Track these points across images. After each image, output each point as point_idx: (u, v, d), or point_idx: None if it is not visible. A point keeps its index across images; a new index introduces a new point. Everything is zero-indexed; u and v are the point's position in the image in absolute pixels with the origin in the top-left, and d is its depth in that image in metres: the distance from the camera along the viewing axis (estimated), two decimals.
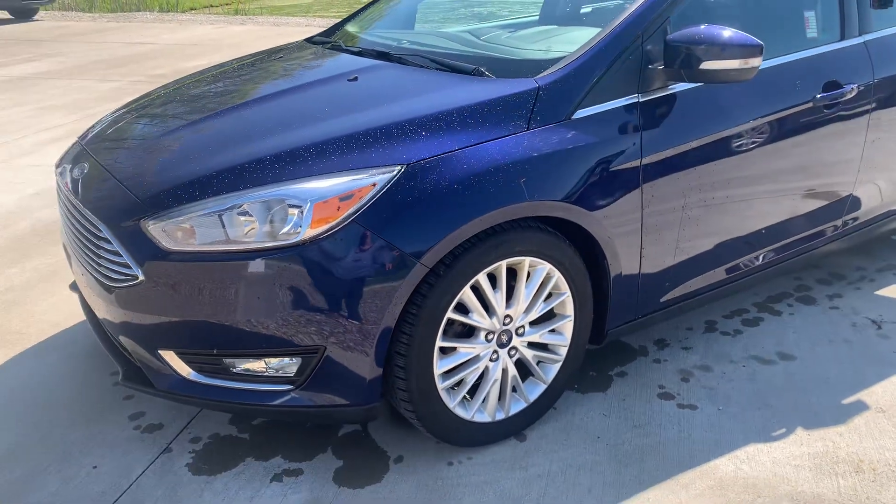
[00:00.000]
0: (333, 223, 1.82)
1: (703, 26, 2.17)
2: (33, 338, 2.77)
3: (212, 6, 23.64)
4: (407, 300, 1.90)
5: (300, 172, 1.89)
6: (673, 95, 2.26)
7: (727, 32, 2.13)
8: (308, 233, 1.82)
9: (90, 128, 2.61)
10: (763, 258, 2.69)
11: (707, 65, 2.13)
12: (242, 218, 1.87)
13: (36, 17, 14.03)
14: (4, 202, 4.21)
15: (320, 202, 1.82)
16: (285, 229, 1.84)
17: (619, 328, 2.39)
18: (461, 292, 1.97)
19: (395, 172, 1.87)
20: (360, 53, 2.62)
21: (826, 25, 2.70)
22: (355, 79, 2.33)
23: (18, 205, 4.16)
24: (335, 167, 1.89)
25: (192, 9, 21.76)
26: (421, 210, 1.86)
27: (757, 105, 2.42)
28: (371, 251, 1.83)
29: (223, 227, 1.88)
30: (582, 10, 3.13)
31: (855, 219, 2.97)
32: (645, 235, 2.27)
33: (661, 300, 2.46)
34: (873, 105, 2.72)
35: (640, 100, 2.21)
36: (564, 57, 2.19)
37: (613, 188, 2.15)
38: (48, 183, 4.50)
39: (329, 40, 2.89)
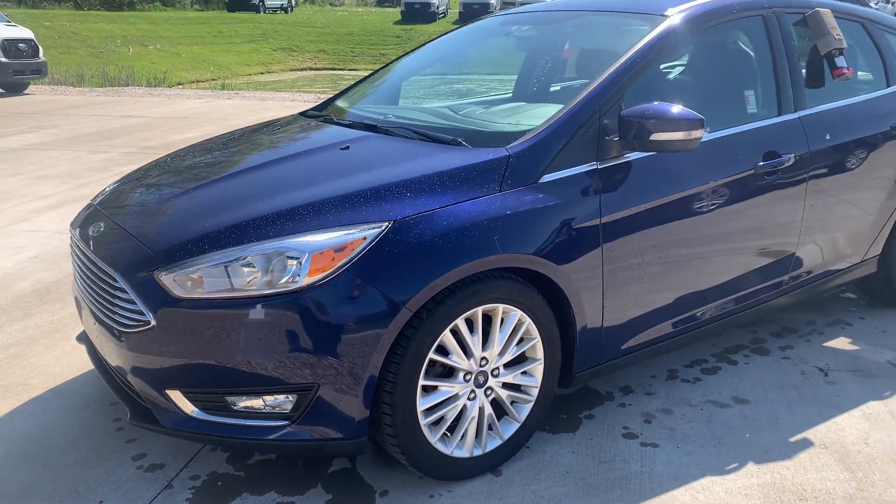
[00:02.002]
0: (329, 272, 2.06)
1: (652, 103, 2.48)
2: (38, 388, 2.94)
3: (198, 81, 24.39)
4: (393, 342, 2.12)
5: (298, 228, 2.14)
6: (628, 163, 2.56)
7: (674, 108, 2.45)
8: (306, 280, 2.05)
9: (100, 193, 2.86)
10: (716, 311, 2.95)
11: (656, 136, 2.44)
12: (245, 269, 2.10)
13: (27, 90, 14.41)
14: (4, 265, 4.40)
15: (317, 253, 2.07)
16: (284, 279, 2.07)
17: (586, 372, 2.61)
18: (442, 335, 2.20)
19: (383, 228, 2.12)
20: (350, 126, 2.91)
21: (765, 102, 3.05)
22: (347, 147, 2.61)
23: (18, 267, 4.35)
24: (330, 223, 2.14)
25: (178, 84, 22.45)
26: (406, 261, 2.11)
27: (705, 171, 2.73)
28: (361, 297, 2.07)
29: (228, 276, 2.11)
30: (551, 89, 3.48)
31: (799, 276, 3.25)
32: (606, 288, 2.53)
33: (623, 347, 2.69)
34: (810, 173, 3.05)
35: (599, 166, 2.50)
36: (532, 129, 2.49)
37: (576, 245, 2.41)
38: (46, 247, 4.71)
39: (321, 114, 3.19)
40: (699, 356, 3.27)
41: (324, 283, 2.05)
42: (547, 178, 2.40)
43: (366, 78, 3.58)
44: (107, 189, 2.86)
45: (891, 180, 3.44)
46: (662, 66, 2.84)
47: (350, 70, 28.37)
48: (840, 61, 3.15)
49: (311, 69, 29.55)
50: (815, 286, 3.37)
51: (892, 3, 28.54)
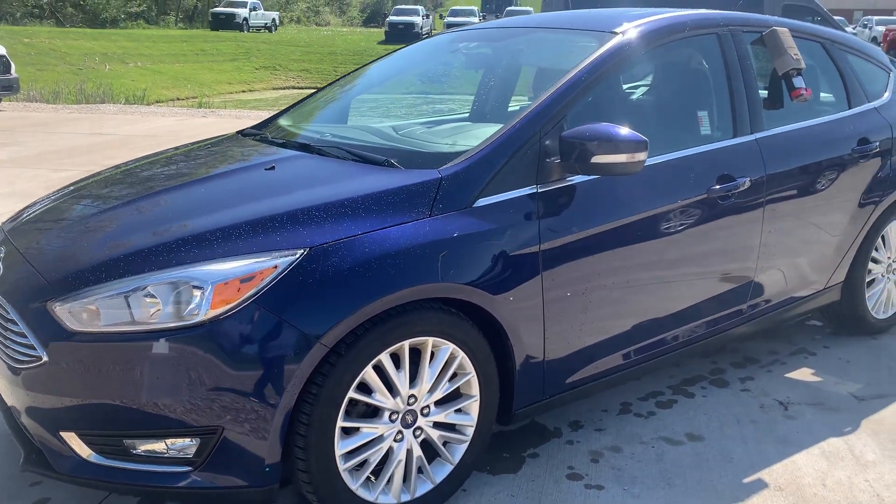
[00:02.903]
0: (233, 304, 1.89)
1: (594, 124, 2.35)
2: None
3: (178, 99, 24.22)
4: (307, 380, 1.95)
5: (204, 255, 1.97)
6: (572, 186, 2.42)
7: (616, 129, 2.31)
8: (208, 314, 1.88)
9: (14, 215, 2.68)
10: (669, 341, 2.80)
11: (597, 159, 2.30)
12: (148, 300, 1.93)
13: None
14: None
15: (220, 283, 1.90)
16: (188, 310, 1.90)
17: (527, 409, 2.45)
18: (363, 372, 2.03)
19: (297, 255, 1.96)
20: (283, 145, 2.76)
21: (719, 124, 2.93)
22: (272, 168, 2.45)
23: None
24: (239, 250, 1.97)
25: (158, 101, 22.24)
26: (322, 292, 1.94)
27: (654, 195, 2.59)
28: (270, 331, 1.90)
29: (129, 308, 1.93)
30: (508, 108, 3.34)
31: (759, 304, 3.12)
32: (547, 318, 2.37)
33: (569, 381, 2.54)
34: (767, 198, 2.92)
35: (539, 190, 2.36)
36: (467, 150, 2.35)
37: (514, 273, 2.26)
38: None
39: (259, 132, 3.04)
40: (655, 388, 3.11)
41: (228, 317, 1.89)
42: (482, 202, 2.26)
43: (312, 95, 3.44)
44: (20, 213, 2.68)
45: (853, 205, 3.33)
46: (610, 86, 2.71)
47: None
48: (798, 82, 3.04)
49: (294, 88, 29.45)
50: (776, 314, 3.24)
51: (870, 28, 28.95)
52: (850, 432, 2.79)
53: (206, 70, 29.59)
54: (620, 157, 2.30)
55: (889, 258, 3.64)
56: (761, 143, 2.95)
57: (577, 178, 2.43)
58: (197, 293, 1.91)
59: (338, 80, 3.49)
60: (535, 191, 2.35)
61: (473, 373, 2.26)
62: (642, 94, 2.95)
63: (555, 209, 2.37)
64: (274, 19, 40.34)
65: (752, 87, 2.97)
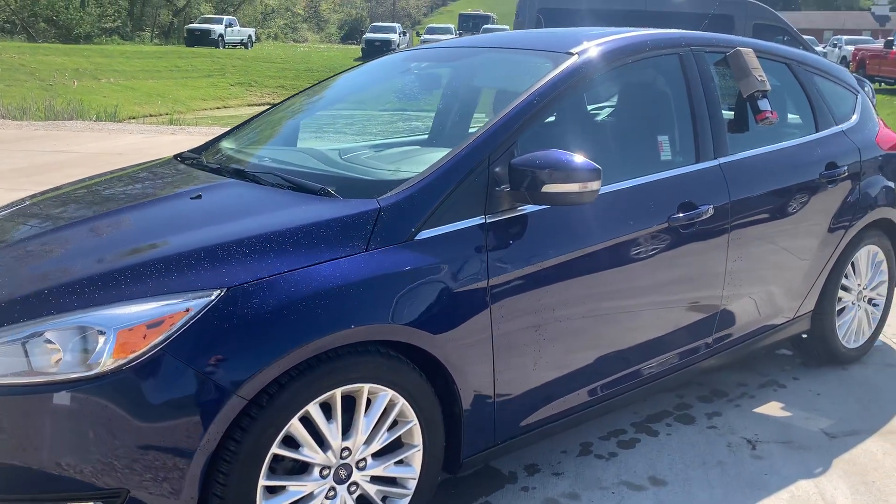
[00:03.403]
0: (139, 353, 1.70)
1: (545, 151, 2.20)
2: None
3: (151, 115, 23.87)
4: (224, 435, 1.76)
5: (109, 297, 1.78)
6: (523, 217, 2.26)
7: (568, 157, 2.16)
8: (109, 363, 1.69)
9: None
10: (632, 377, 2.65)
11: (548, 188, 2.14)
12: (48, 346, 1.73)
13: None
14: None
15: (124, 329, 1.71)
16: (91, 359, 1.71)
17: (477, 456, 2.27)
18: (288, 425, 1.85)
19: (213, 297, 1.78)
20: (217, 171, 2.57)
21: (681, 149, 2.79)
22: (198, 197, 2.27)
23: None
24: (147, 291, 1.78)
25: (131, 118, 21.88)
26: (240, 337, 1.76)
27: (611, 225, 2.44)
28: (180, 383, 1.71)
29: (26, 356, 1.74)
30: (458, 132, 3.18)
31: (728, 335, 2.98)
32: (497, 358, 2.21)
33: (522, 424, 2.37)
34: (732, 225, 2.78)
35: (488, 221, 2.20)
36: (410, 178, 2.18)
37: (459, 310, 2.10)
38: None
39: (196, 156, 2.85)
40: (618, 426, 2.95)
41: (132, 367, 1.69)
42: (425, 234, 2.09)
43: (260, 114, 3.25)
44: None
45: (822, 232, 3.21)
46: (565, 109, 2.57)
47: None
48: (763, 104, 2.92)
49: (269, 104, 29.22)
50: (745, 346, 3.10)
51: (839, 48, 29.40)
52: (820, 473, 2.64)
53: (180, 86, 29.30)
54: (572, 187, 2.15)
55: (859, 286, 3.53)
56: (725, 169, 2.81)
57: (530, 208, 2.27)
58: (101, 339, 1.72)
59: (287, 99, 3.32)
60: (483, 221, 2.19)
61: (415, 420, 2.08)
62: (600, 118, 2.81)
63: (505, 241, 2.21)
64: (250, 36, 40.13)
65: (715, 110, 2.85)
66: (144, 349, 1.70)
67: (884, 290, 3.65)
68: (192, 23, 40.47)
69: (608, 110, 2.87)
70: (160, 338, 1.71)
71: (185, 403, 1.71)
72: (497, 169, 2.23)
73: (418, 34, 41.67)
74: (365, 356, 1.95)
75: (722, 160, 2.83)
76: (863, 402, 3.21)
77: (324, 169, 2.51)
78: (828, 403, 3.19)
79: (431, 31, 38.39)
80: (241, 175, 2.46)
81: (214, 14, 43.53)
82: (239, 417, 1.77)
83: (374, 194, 2.14)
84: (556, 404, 2.44)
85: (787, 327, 3.27)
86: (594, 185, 2.16)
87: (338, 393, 1.92)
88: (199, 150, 2.97)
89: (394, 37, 36.55)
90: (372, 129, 2.92)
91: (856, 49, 23.83)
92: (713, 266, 2.77)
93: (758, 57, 3.06)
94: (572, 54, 2.60)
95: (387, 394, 2.01)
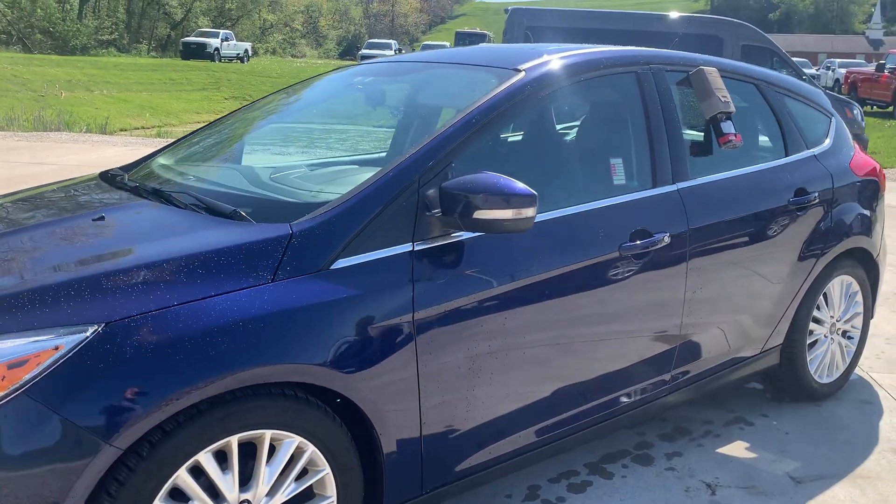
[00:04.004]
0: None
1: (479, 174, 2.03)
2: None
3: (143, 128, 23.72)
4: (97, 488, 1.57)
5: None
6: (456, 244, 2.09)
7: (502, 181, 1.99)
8: None
9: None
10: (582, 416, 2.46)
11: (480, 214, 1.97)
12: None
13: None
14: None
15: None
16: None
17: None
18: (174, 476, 1.66)
19: (88, 333, 1.59)
20: (134, 190, 2.39)
21: (637, 173, 2.62)
22: (101, 219, 2.08)
23: None
24: (14, 326, 1.60)
25: (122, 130, 21.72)
26: (117, 379, 1.58)
27: (555, 254, 2.27)
28: (44, 431, 1.52)
29: None
30: (394, 151, 3.01)
31: (689, 370, 2.80)
32: (425, 398, 2.02)
33: (458, 469, 2.18)
34: (690, 255, 2.61)
35: (416, 248, 2.02)
36: (331, 201, 2.01)
37: (379, 346, 1.91)
38: None
39: (121, 173, 2.67)
40: (572, 466, 2.76)
41: None
42: (342, 263, 1.91)
43: (200, 129, 3.07)
44: None
45: (791, 261, 3.04)
46: (508, 129, 2.40)
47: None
48: (726, 126, 2.75)
49: None
50: (709, 381, 2.92)
51: (832, 70, 29.47)
52: None
53: (174, 99, 29.23)
54: (506, 213, 1.97)
55: (832, 317, 3.35)
56: (684, 194, 2.65)
57: (465, 235, 2.10)
58: None
59: (231, 113, 3.14)
60: (410, 249, 2.01)
61: (327, 469, 1.89)
62: (546, 139, 2.65)
63: (435, 270, 2.04)
64: (246, 50, 40.16)
65: (675, 133, 2.68)
66: (5, 392, 1.52)
67: (859, 322, 3.48)
68: (189, 36, 40.49)
69: (557, 131, 2.70)
70: (25, 378, 1.53)
71: (49, 454, 1.52)
72: (429, 192, 2.06)
73: (414, 51, 41.71)
74: (265, 399, 1.76)
75: (681, 185, 2.66)
76: (833, 443, 3.02)
77: (246, 190, 2.33)
78: (796, 444, 3.00)
79: (426, 47, 38.49)
80: (158, 195, 2.29)
81: (212, 28, 43.59)
82: (115, 468, 1.58)
83: (289, 218, 1.96)
84: (497, 446, 2.26)
85: (754, 361, 3.10)
86: (529, 212, 1.99)
87: (234, 441, 1.73)
88: (128, 167, 2.80)
89: (389, 53, 36.63)
90: (319, 144, 2.75)
91: (848, 72, 23.85)
92: (670, 298, 2.59)
93: (725, 77, 2.91)
94: (519, 70, 2.43)
95: (293, 440, 1.82)
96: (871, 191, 3.43)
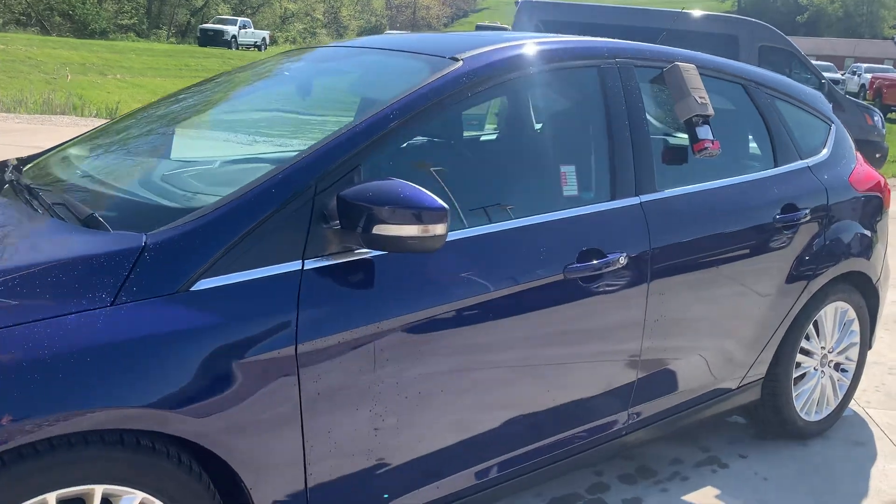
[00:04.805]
0: None
1: (384, 181, 1.70)
2: None
3: None
4: None
5: None
6: (361, 262, 1.77)
7: (407, 191, 1.67)
8: None
9: None
10: (520, 460, 2.14)
11: (379, 230, 1.65)
12: None
13: None
14: None
15: None
16: None
17: None
18: None
19: None
20: (11, 184, 2.09)
21: (593, 183, 2.28)
22: None
23: None
24: None
25: None
26: None
27: (484, 275, 1.94)
28: None
29: None
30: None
31: (650, 408, 2.46)
32: (311, 447, 1.71)
33: None
34: (652, 279, 2.27)
35: (307, 267, 1.70)
36: (202, 207, 1.69)
37: (250, 386, 1.60)
38: None
39: (16, 164, 2.36)
40: None
41: None
42: (206, 283, 1.60)
43: (119, 119, 2.76)
44: None
45: (776, 287, 2.68)
46: (435, 128, 2.08)
47: None
48: (703, 132, 2.41)
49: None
50: (674, 420, 2.58)
51: (859, 75, 28.75)
52: None
53: (187, 85, 29.11)
54: (410, 230, 1.65)
55: (824, 348, 3.00)
56: (648, 209, 2.30)
57: (373, 252, 1.78)
58: None
59: (154, 102, 2.82)
60: (299, 268, 1.69)
61: None
62: (485, 142, 2.31)
63: (330, 293, 1.72)
64: (264, 38, 39.95)
65: (641, 137, 2.34)
66: None
67: (854, 353, 3.12)
68: (206, 23, 40.42)
69: (498, 132, 2.37)
70: None
71: None
72: (327, 201, 1.74)
73: None
74: (95, 449, 1.45)
75: (645, 198, 2.32)
76: (816, 492, 2.67)
77: (127, 190, 2.00)
78: (774, 492, 2.66)
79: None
80: (29, 192, 1.98)
81: (232, 15, 43.44)
82: None
83: (148, 227, 1.64)
84: (407, 498, 1.94)
85: (731, 397, 2.75)
86: (438, 230, 1.66)
87: (51, 498, 1.42)
88: (28, 159, 2.49)
89: None
90: (244, 135, 2.44)
91: (873, 77, 23.18)
92: (626, 327, 2.25)
93: (706, 75, 2.56)
94: (457, 60, 2.10)
95: (133, 496, 1.51)
96: (872, 208, 3.06)
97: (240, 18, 40.21)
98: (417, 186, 1.69)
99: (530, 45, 2.24)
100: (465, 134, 2.31)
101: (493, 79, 2.10)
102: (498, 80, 2.12)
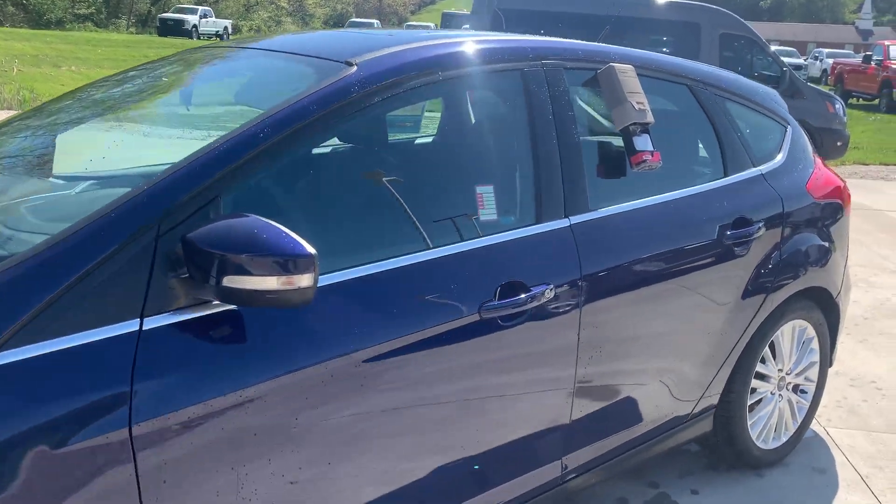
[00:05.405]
0: None
1: (237, 219, 1.40)
2: None
3: None
4: None
5: None
6: (218, 316, 1.46)
7: (265, 232, 1.36)
8: None
9: None
10: None
11: (231, 281, 1.34)
12: None
13: None
14: None
15: None
16: None
17: None
18: None
19: None
20: None
21: (517, 204, 1.99)
22: None
23: None
24: None
25: None
26: None
27: (378, 323, 1.64)
28: None
29: None
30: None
31: (587, 453, 2.18)
32: None
33: None
34: (584, 311, 1.99)
35: (147, 327, 1.39)
36: (10, 257, 1.37)
37: (68, 479, 1.28)
38: None
39: None
40: None
41: None
42: (9, 356, 1.27)
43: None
44: None
45: (727, 309, 2.43)
46: (318, 149, 1.77)
47: None
48: (641, 143, 2.13)
49: None
50: (617, 463, 2.31)
51: (821, 60, 28.90)
52: None
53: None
54: (267, 282, 1.34)
55: (781, 371, 2.75)
56: (579, 232, 2.02)
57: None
58: None
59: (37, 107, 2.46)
60: (137, 328, 1.38)
61: None
62: (381, 162, 2.01)
63: (177, 357, 1.40)
64: (226, 27, 39.10)
65: (571, 151, 2.05)
66: None
67: (814, 373, 2.88)
68: (166, 12, 39.41)
69: (399, 150, 2.06)
70: None
71: None
72: (174, 244, 1.42)
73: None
74: None
75: (576, 219, 2.03)
76: None
77: None
78: None
79: (409, 27, 37.70)
80: None
81: (194, 4, 42.37)
82: None
83: None
84: None
85: (681, 430, 2.50)
86: (304, 281, 1.36)
87: None
88: None
89: None
90: (122, 149, 2.10)
91: (834, 63, 23.21)
92: (554, 368, 1.97)
93: (645, 76, 2.28)
94: (351, 65, 1.79)
95: None
96: (832, 216, 2.82)
97: (200, 7, 39.27)
98: (280, 227, 1.38)
99: (441, 47, 1.94)
100: (357, 152, 2.00)
101: (393, 87, 1.79)
102: (399, 88, 1.81)
